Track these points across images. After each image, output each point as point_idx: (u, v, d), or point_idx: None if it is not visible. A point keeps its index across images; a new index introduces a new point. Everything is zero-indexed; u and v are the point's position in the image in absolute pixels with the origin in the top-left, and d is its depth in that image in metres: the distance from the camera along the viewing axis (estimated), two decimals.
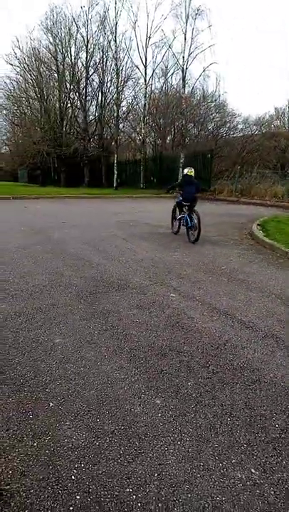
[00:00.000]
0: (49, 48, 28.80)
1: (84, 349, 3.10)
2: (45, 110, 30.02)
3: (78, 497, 1.70)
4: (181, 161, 24.36)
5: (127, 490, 1.74)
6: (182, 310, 4.02)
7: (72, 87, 29.48)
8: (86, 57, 28.38)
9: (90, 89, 29.85)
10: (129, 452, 1.98)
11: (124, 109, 29.13)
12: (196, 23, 23.50)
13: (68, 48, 28.46)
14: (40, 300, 4.19)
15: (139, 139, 29.68)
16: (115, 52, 26.18)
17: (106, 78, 28.97)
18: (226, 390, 2.57)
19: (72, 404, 2.36)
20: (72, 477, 1.81)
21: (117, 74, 26.54)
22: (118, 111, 27.29)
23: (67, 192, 22.56)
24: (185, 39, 23.64)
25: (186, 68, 24.25)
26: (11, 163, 43.85)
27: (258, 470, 1.89)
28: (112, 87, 28.33)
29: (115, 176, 27.26)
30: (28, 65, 29.45)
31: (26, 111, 32.78)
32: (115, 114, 27.56)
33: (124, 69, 27.17)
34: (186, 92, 25.59)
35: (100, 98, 29.85)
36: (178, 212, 8.86)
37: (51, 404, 2.36)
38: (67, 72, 29.24)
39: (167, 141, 32.51)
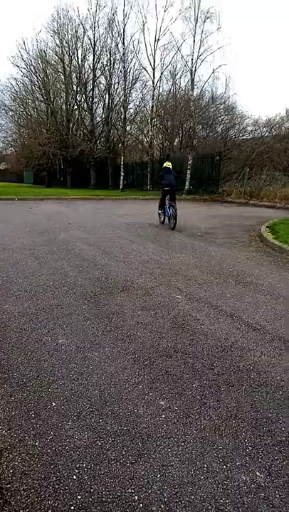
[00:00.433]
0: (56, 50, 28.99)
1: (87, 349, 3.08)
2: (52, 112, 30.15)
3: (80, 497, 1.67)
4: (189, 162, 24.33)
5: (129, 490, 1.72)
6: (188, 311, 3.99)
7: (79, 89, 29.59)
8: (93, 60, 28.52)
9: (97, 92, 29.96)
10: (132, 453, 1.95)
11: (131, 111, 29.16)
12: (206, 25, 23.39)
13: (75, 50, 28.61)
14: (44, 300, 4.18)
15: (147, 141, 29.72)
16: (123, 54, 26.26)
17: (113, 80, 29.05)
18: (231, 392, 2.53)
19: (74, 404, 2.34)
20: (74, 477, 1.78)
21: (125, 76, 26.61)
22: (125, 113, 27.33)
23: (73, 193, 22.64)
24: (194, 41, 23.59)
25: (195, 70, 24.19)
26: (17, 164, 44.03)
27: (262, 473, 1.85)
28: (120, 90, 28.41)
29: (122, 177, 27.30)
30: (34, 67, 29.63)
31: (32, 112, 32.97)
32: (122, 116, 27.60)
33: (131, 71, 27.23)
34: (194, 94, 25.57)
35: (107, 100, 29.93)
36: (163, 203, 10.73)
37: (54, 403, 2.34)
38: (74, 75, 29.38)
39: (175, 143, 32.51)
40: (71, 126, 31.11)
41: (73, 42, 28.42)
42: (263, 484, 1.79)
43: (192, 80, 24.59)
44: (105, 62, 28.59)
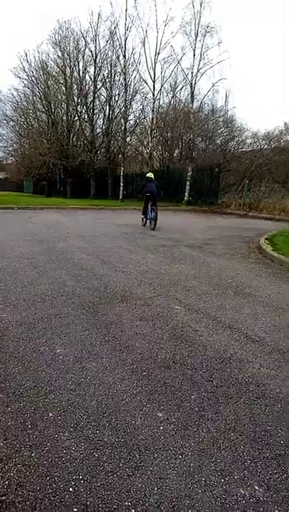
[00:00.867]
0: (57, 61, 29.42)
1: (85, 360, 3.06)
2: (53, 122, 30.43)
3: (76, 509, 1.65)
4: (189, 174, 24.47)
5: (126, 503, 1.69)
6: (187, 322, 3.98)
7: (79, 100, 29.91)
8: (94, 72, 28.89)
9: (97, 103, 30.30)
10: (129, 465, 1.92)
11: (131, 122, 29.42)
12: (206, 39, 23.60)
13: (76, 62, 28.99)
14: (42, 310, 4.17)
15: (146, 152, 29.92)
16: (124, 67, 26.56)
17: (114, 92, 29.39)
18: (229, 405, 2.51)
19: (72, 414, 2.32)
20: (70, 489, 1.76)
21: (125, 88, 26.89)
22: (126, 124, 27.56)
23: (72, 203, 22.70)
24: (194, 55, 23.91)
25: (195, 83, 24.47)
26: (17, 173, 44.24)
27: (261, 487, 1.83)
28: (120, 101, 28.70)
29: (121, 188, 27.42)
30: (36, 78, 30.04)
31: (33, 123, 33.29)
32: (123, 128, 27.82)
33: (132, 83, 27.53)
34: (194, 106, 25.83)
35: (107, 111, 30.24)
36: (145, 209, 12.56)
37: (50, 414, 2.31)
38: (75, 86, 29.73)
39: (175, 155, 32.75)
40: (72, 136, 31.39)
41: (75, 54, 28.83)
42: (261, 499, 1.77)
43: (192, 92, 24.87)
44: (106, 74, 28.98)
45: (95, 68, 28.74)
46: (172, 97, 30.09)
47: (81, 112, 30.78)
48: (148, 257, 7.28)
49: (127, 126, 28.00)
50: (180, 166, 28.77)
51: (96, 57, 28.37)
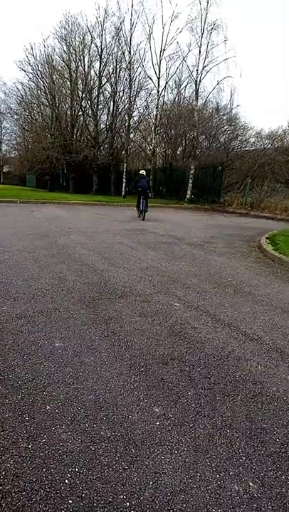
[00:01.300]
0: (63, 56, 29.26)
1: (84, 354, 3.07)
2: (57, 117, 30.34)
3: (71, 501, 1.66)
4: (192, 172, 24.44)
5: (121, 496, 1.71)
6: (186, 320, 3.99)
7: (84, 95, 29.81)
8: (99, 67, 28.75)
9: (102, 98, 30.15)
10: (125, 459, 1.94)
11: (135, 118, 29.33)
12: (212, 36, 23.56)
13: (82, 57, 28.85)
14: (42, 303, 4.18)
15: (150, 149, 29.87)
16: (129, 63, 26.48)
17: (118, 88, 29.23)
18: (226, 402, 2.53)
19: (69, 408, 2.34)
20: (66, 481, 1.77)
21: (130, 84, 26.82)
22: (130, 120, 27.50)
23: (75, 198, 22.71)
24: (200, 52, 23.81)
25: (200, 81, 24.39)
26: (20, 167, 44.27)
27: (256, 483, 1.84)
28: (125, 97, 28.59)
29: (124, 184, 27.38)
30: (41, 72, 29.90)
31: (37, 117, 33.19)
32: (126, 124, 27.76)
33: (137, 79, 27.40)
34: (198, 104, 25.75)
35: (111, 107, 30.11)
36: (139, 201, 14.53)
37: (48, 407, 2.33)
38: (80, 81, 29.61)
39: (178, 152, 32.68)
40: (75, 131, 31.29)
41: (80, 49, 28.69)
42: (255, 495, 1.78)
43: (196, 90, 24.79)
44: (111, 70, 28.83)
45: (100, 63, 28.62)
46: (177, 94, 29.98)
47: (85, 107, 30.69)
48: (149, 254, 7.29)
49: (131, 123, 27.94)
50: (183, 164, 28.73)
51: (102, 52, 28.24)
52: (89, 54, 28.72)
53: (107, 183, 31.42)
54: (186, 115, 28.22)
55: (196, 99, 25.24)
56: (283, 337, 3.68)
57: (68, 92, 30.19)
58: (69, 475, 1.81)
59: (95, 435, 2.10)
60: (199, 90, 24.92)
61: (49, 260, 6.20)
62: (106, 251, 7.28)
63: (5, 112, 37.59)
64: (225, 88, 38.05)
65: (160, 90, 27.20)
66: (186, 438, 2.14)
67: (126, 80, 27.63)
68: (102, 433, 2.13)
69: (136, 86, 27.34)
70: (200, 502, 1.71)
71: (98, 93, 29.44)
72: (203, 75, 24.27)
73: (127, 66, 26.71)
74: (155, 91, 27.44)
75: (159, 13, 33.68)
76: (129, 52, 26.28)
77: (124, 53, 27.16)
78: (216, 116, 30.49)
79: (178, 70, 28.59)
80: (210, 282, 5.52)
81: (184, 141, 32.40)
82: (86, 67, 29.02)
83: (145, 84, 27.83)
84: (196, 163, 25.19)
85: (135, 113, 28.99)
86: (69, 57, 28.85)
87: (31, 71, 29.87)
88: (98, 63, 28.63)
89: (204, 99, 26.73)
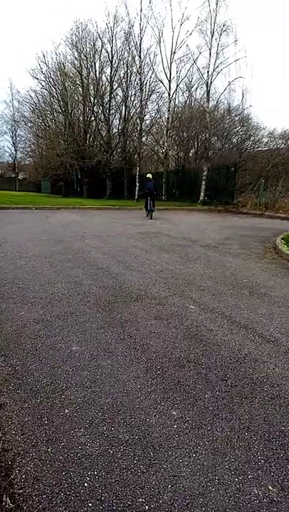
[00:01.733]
0: (74, 62, 29.68)
1: (101, 357, 3.09)
2: (69, 123, 30.70)
3: (90, 504, 1.68)
4: (204, 173, 24.38)
5: (140, 500, 1.71)
6: (201, 322, 3.98)
7: (96, 100, 30.11)
8: (110, 72, 29.04)
9: (113, 103, 30.44)
10: (143, 462, 1.95)
11: (147, 122, 29.47)
12: (222, 38, 23.47)
13: (93, 63, 29.21)
14: (58, 308, 4.23)
15: (162, 152, 29.92)
16: (139, 67, 26.62)
17: (130, 92, 29.47)
18: (244, 405, 2.51)
19: (87, 411, 2.36)
20: (85, 484, 1.79)
21: (141, 88, 26.95)
22: (141, 124, 27.62)
23: (89, 203, 22.89)
24: (210, 54, 23.80)
25: (211, 82, 24.36)
26: (35, 174, 44.94)
27: (275, 487, 1.83)
28: (136, 101, 28.76)
29: (137, 188, 27.48)
30: (53, 80, 30.38)
31: (50, 124, 33.68)
32: (138, 128, 27.88)
33: (148, 83, 27.59)
34: (210, 105, 25.71)
35: (123, 112, 30.35)
36: (146, 202, 16.09)
37: (66, 410, 2.35)
38: (91, 87, 29.93)
39: (190, 155, 32.64)
40: (88, 137, 31.61)
41: (91, 55, 29.03)
42: (275, 499, 1.76)
43: (208, 92, 24.77)
44: (122, 75, 29.11)
45: (111, 69, 28.91)
46: (188, 96, 30.05)
47: (97, 112, 31.00)
48: (163, 257, 7.29)
49: (143, 126, 28.07)
50: (195, 166, 28.70)
51: (112, 57, 28.53)
52: (100, 60, 29.10)
53: (121, 187, 31.58)
54: (197, 117, 28.24)
55: (208, 100, 25.23)
56: None
57: (80, 98, 30.55)
58: (88, 478, 1.83)
59: (113, 438, 2.12)
60: (210, 92, 24.95)
61: (65, 265, 6.27)
62: (120, 254, 7.31)
63: (19, 120, 38.23)
64: (236, 89, 37.68)
65: (171, 93, 27.30)
66: (203, 441, 2.13)
67: (137, 84, 27.86)
68: (120, 436, 2.14)
69: (147, 90, 27.54)
70: (219, 506, 1.70)
71: (110, 98, 29.72)
72: (214, 77, 24.28)
73: (137, 70, 26.89)
74: (166, 94, 27.55)
75: (169, 17, 33.85)
76: (140, 56, 26.48)
77: (134, 58, 27.41)
78: (228, 117, 30.40)
79: (189, 72, 28.43)
80: (225, 284, 5.49)
81: (196, 143, 32.37)
82: (97, 72, 29.38)
83: (156, 87, 28.04)
84: (209, 165, 25.13)
85: (147, 116, 29.17)
86: (80, 64, 29.21)
87: (44, 79, 30.42)
88: (109, 68, 28.98)
89: (216, 101, 26.77)
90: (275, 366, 3.06)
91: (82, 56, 29.05)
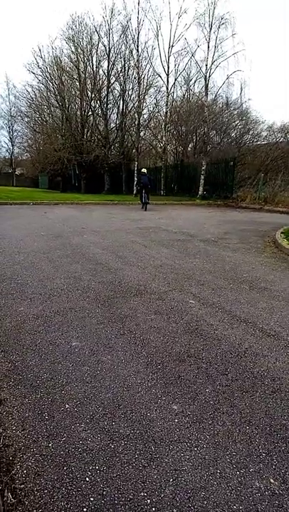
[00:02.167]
0: (71, 57, 29.48)
1: (101, 353, 3.09)
2: (67, 118, 30.54)
3: (92, 499, 1.68)
4: (203, 168, 24.32)
5: (142, 494, 1.71)
6: (201, 316, 3.97)
7: (93, 95, 29.93)
8: (108, 66, 28.87)
9: (111, 98, 30.28)
10: (145, 456, 1.94)
11: (145, 116, 29.32)
12: (220, 31, 23.32)
13: (90, 57, 28.98)
14: (58, 303, 4.22)
15: (160, 147, 29.82)
16: (137, 61, 26.47)
17: (127, 86, 29.33)
18: (245, 398, 2.51)
19: (87, 406, 2.35)
20: (87, 479, 1.79)
21: (139, 82, 26.80)
22: (139, 119, 27.49)
23: (87, 198, 22.82)
24: (208, 47, 23.66)
25: (209, 76, 24.23)
26: (32, 169, 44.80)
27: (277, 480, 1.83)
28: (134, 95, 28.64)
29: (135, 182, 27.41)
30: (50, 74, 30.17)
31: (48, 118, 33.51)
32: (136, 122, 27.75)
33: (146, 77, 27.41)
34: (208, 99, 25.59)
35: (121, 106, 30.22)
36: (141, 195, 17.59)
37: (67, 405, 2.35)
38: (88, 81, 29.73)
39: (189, 149, 32.54)
40: (86, 131, 31.45)
41: (88, 49, 28.82)
42: (277, 492, 1.76)
43: (206, 85, 24.65)
44: (120, 69, 28.92)
45: (108, 63, 28.73)
46: (186, 90, 29.94)
47: (95, 106, 30.82)
48: (162, 252, 7.28)
49: (141, 121, 27.93)
50: (194, 160, 28.60)
51: (109, 51, 28.35)
52: (97, 54, 28.90)
53: (119, 182, 31.50)
54: (196, 111, 28.12)
55: (206, 94, 25.12)
56: None
57: (77, 92, 30.36)
58: (89, 473, 1.83)
59: (114, 433, 2.11)
60: (209, 85, 24.84)
61: (64, 260, 6.25)
62: (119, 250, 7.30)
63: (16, 115, 38.06)
64: (235, 82, 37.72)
65: (169, 87, 27.19)
66: (205, 435, 2.13)
67: (135, 78, 27.74)
68: (121, 431, 2.13)
69: (145, 84, 27.36)
70: (221, 499, 1.70)
71: (107, 92, 29.57)
72: (212, 70, 24.14)
73: (135, 64, 26.75)
74: (164, 88, 27.46)
75: (166, 10, 33.55)
76: (137, 50, 26.34)
77: (132, 51, 27.28)
78: (227, 111, 30.29)
79: (187, 65, 28.30)
80: (225, 278, 5.49)
81: (194, 138, 32.26)
82: (94, 67, 29.19)
83: (154, 81, 27.90)
84: (208, 159, 25.06)
85: (145, 111, 29.03)
86: (77, 58, 29.02)
87: (40, 73, 30.23)
88: (106, 62, 28.82)
89: (214, 95, 26.69)
90: (275, 360, 3.06)
91: (79, 50, 28.85)
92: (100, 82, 29.58)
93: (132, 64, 27.53)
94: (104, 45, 28.39)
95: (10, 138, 50.78)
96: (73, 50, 29.06)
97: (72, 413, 2.28)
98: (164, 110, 27.97)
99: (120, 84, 29.61)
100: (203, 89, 25.24)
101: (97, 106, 30.69)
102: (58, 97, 30.43)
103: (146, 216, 14.30)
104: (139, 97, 27.11)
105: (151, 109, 29.93)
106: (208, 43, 23.61)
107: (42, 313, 3.89)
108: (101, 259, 6.44)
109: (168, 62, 26.32)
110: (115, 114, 31.40)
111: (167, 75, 26.61)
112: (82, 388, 2.55)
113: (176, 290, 4.85)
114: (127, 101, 29.72)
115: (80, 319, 3.77)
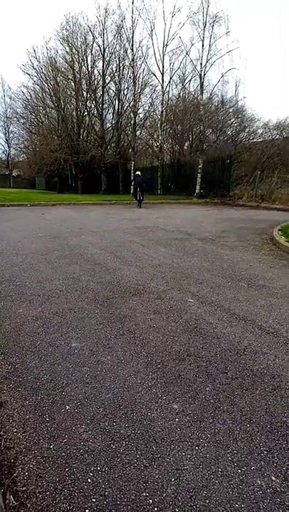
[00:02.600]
0: (66, 57, 29.38)
1: (100, 353, 3.09)
2: (63, 118, 30.47)
3: (94, 500, 1.68)
4: (200, 166, 24.33)
5: (144, 494, 1.71)
6: (200, 315, 3.98)
7: (89, 95, 29.87)
8: (103, 66, 28.80)
9: (106, 97, 30.22)
10: (146, 456, 1.95)
11: (141, 116, 29.30)
12: (214, 29, 23.32)
13: (85, 57, 28.91)
14: (57, 304, 4.21)
15: (157, 146, 29.79)
16: (132, 60, 26.44)
17: (123, 86, 29.26)
18: (245, 396, 2.51)
19: (88, 407, 2.35)
20: (89, 480, 1.79)
21: (134, 82, 26.78)
22: (135, 118, 27.49)
23: (84, 198, 22.80)
24: (203, 46, 23.67)
25: (204, 74, 24.24)
26: (29, 170, 44.71)
27: (278, 478, 1.83)
28: (129, 95, 28.59)
29: (132, 182, 27.38)
30: (45, 75, 30.10)
31: (43, 119, 33.45)
32: (132, 122, 27.76)
33: (141, 76, 27.40)
34: (204, 98, 25.60)
35: (116, 106, 30.14)
36: (136, 194, 19.28)
37: (67, 407, 2.35)
38: (84, 81, 29.66)
39: (185, 148, 32.52)
40: (82, 132, 31.42)
41: (83, 49, 28.74)
42: (278, 489, 1.77)
43: (201, 84, 24.66)
44: (114, 69, 28.85)
45: (103, 62, 28.66)
46: (181, 88, 29.85)
47: (90, 107, 30.77)
48: (160, 251, 7.28)
49: (137, 120, 27.94)
50: (191, 159, 28.58)
51: (104, 51, 28.27)
52: (91, 54, 28.83)
53: (116, 182, 31.46)
54: (191, 110, 28.08)
55: (202, 92, 25.12)
56: None
57: (73, 93, 30.30)
58: (91, 474, 1.83)
59: (115, 433, 2.12)
60: (204, 84, 24.84)
61: (62, 261, 6.25)
62: (117, 250, 7.29)
63: (11, 116, 37.94)
64: (230, 80, 37.53)
65: (165, 86, 27.19)
66: (206, 434, 2.13)
67: (130, 77, 27.69)
68: (122, 431, 2.14)
69: (140, 83, 27.37)
70: (223, 497, 1.71)
71: (102, 92, 29.51)
72: (207, 68, 24.15)
73: (130, 63, 26.72)
74: (160, 87, 27.43)
75: (160, 9, 33.47)
76: (132, 49, 26.32)
77: (126, 51, 27.21)
78: (222, 109, 30.27)
79: (181, 64, 28.24)
80: (223, 277, 5.49)
81: (190, 136, 32.22)
82: (89, 67, 29.14)
83: (149, 80, 27.88)
84: (204, 158, 25.06)
85: (140, 110, 29.03)
86: (72, 58, 28.96)
87: (35, 74, 30.16)
88: (101, 62, 28.74)
89: (209, 93, 26.66)
90: (275, 357, 3.07)
91: (74, 50, 28.76)
92: (95, 82, 29.52)
93: (127, 63, 27.50)
94: (99, 45, 28.34)
95: (6, 139, 50.54)
96: (68, 51, 29.00)
97: (73, 414, 2.28)
98: (160, 109, 27.95)
99: (115, 84, 29.56)
100: (199, 87, 25.25)
101: (93, 106, 30.65)
102: (54, 97, 30.37)
103: (144, 215, 14.29)
104: (134, 96, 27.11)
105: (147, 108, 29.91)
106: (203, 41, 23.63)
107: (41, 315, 3.89)
108: (99, 259, 6.44)
109: (163, 61, 26.32)
110: (111, 114, 31.39)
111: (162, 74, 26.62)
112: (82, 389, 2.55)
113: (174, 289, 4.85)
114: (122, 100, 29.67)
115: (79, 320, 3.77)
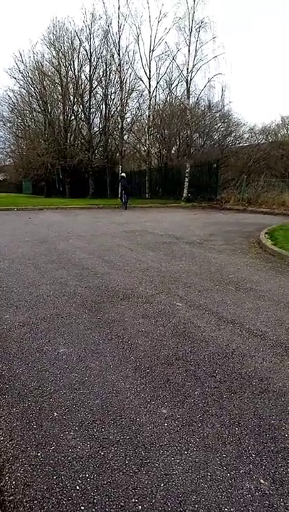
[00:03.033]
0: (52, 61, 29.32)
1: (88, 359, 3.07)
2: (49, 123, 30.34)
3: (83, 508, 1.66)
4: (187, 171, 24.44)
5: (133, 500, 1.70)
6: (188, 319, 3.98)
7: (76, 99, 29.84)
8: (90, 70, 28.80)
9: (93, 102, 30.21)
10: (135, 462, 1.94)
11: (128, 120, 29.37)
12: (200, 35, 23.54)
13: (71, 62, 28.90)
14: (44, 310, 4.18)
15: (144, 150, 29.88)
16: (119, 65, 26.52)
17: (110, 90, 29.28)
18: (233, 400, 2.52)
19: (76, 414, 2.33)
20: (77, 487, 1.77)
21: (121, 86, 26.85)
22: (122, 122, 27.55)
23: (72, 203, 22.71)
24: (189, 51, 23.85)
25: (191, 79, 24.42)
26: (16, 174, 44.32)
27: (267, 480, 1.84)
28: (116, 99, 28.64)
29: (120, 186, 27.39)
30: (31, 79, 29.96)
31: (30, 123, 33.26)
32: (120, 126, 27.80)
33: (128, 81, 27.48)
34: (190, 102, 25.78)
35: (104, 110, 30.14)
36: (121, 196, 20.25)
37: (55, 413, 2.33)
38: (70, 85, 29.63)
39: (172, 152, 32.67)
40: (69, 136, 31.31)
41: (69, 53, 28.73)
42: (267, 492, 1.77)
43: (188, 89, 24.84)
44: (101, 73, 28.87)
45: (90, 67, 28.66)
46: (168, 93, 30.01)
47: (77, 111, 30.72)
48: (148, 255, 7.28)
49: (124, 125, 27.99)
50: (178, 163, 28.72)
51: (91, 55, 28.30)
52: (78, 58, 28.83)
53: (103, 186, 31.41)
54: (178, 114, 28.24)
55: (188, 97, 25.29)
56: (287, 332, 3.67)
57: (60, 97, 30.23)
58: (80, 481, 1.81)
59: (103, 440, 2.10)
60: (190, 89, 25.01)
61: (49, 266, 6.20)
62: (106, 254, 7.28)
63: None
64: (216, 85, 37.85)
65: (151, 91, 27.35)
66: (194, 438, 2.13)
67: (117, 82, 27.76)
68: (110, 437, 2.12)
69: (127, 88, 27.44)
70: (212, 502, 1.71)
71: (90, 97, 29.51)
72: (193, 74, 24.35)
73: (117, 68, 26.80)
74: (146, 92, 27.59)
75: (146, 14, 33.53)
76: (119, 54, 26.40)
77: (113, 56, 27.27)
78: (209, 113, 30.51)
79: (168, 69, 28.36)
80: (211, 280, 5.52)
81: (178, 141, 32.40)
82: (76, 71, 29.12)
83: (136, 85, 27.96)
84: (191, 162, 25.19)
85: (128, 115, 29.10)
86: (58, 62, 28.91)
87: (22, 78, 30.02)
88: (88, 67, 28.76)
89: (196, 98, 26.82)
90: (262, 360, 3.09)
91: (60, 55, 28.72)
92: (82, 86, 29.50)
93: (114, 68, 27.54)
94: (86, 50, 28.35)
95: None
96: (54, 55, 28.95)
97: (61, 421, 2.26)
98: (147, 114, 28.06)
99: (102, 89, 29.58)
100: (185, 92, 25.42)
101: (80, 110, 30.60)
102: (40, 101, 30.22)
103: (132, 219, 14.30)
104: (121, 100, 27.17)
105: (134, 112, 30.03)
106: (189, 46, 23.82)
107: (28, 321, 3.85)
108: (87, 264, 6.41)
109: (149, 66, 26.48)
110: (98, 118, 31.38)
111: (149, 78, 26.77)
112: (70, 395, 2.53)
113: (163, 293, 4.86)
114: (109, 105, 29.69)
115: (67, 325, 3.74)
